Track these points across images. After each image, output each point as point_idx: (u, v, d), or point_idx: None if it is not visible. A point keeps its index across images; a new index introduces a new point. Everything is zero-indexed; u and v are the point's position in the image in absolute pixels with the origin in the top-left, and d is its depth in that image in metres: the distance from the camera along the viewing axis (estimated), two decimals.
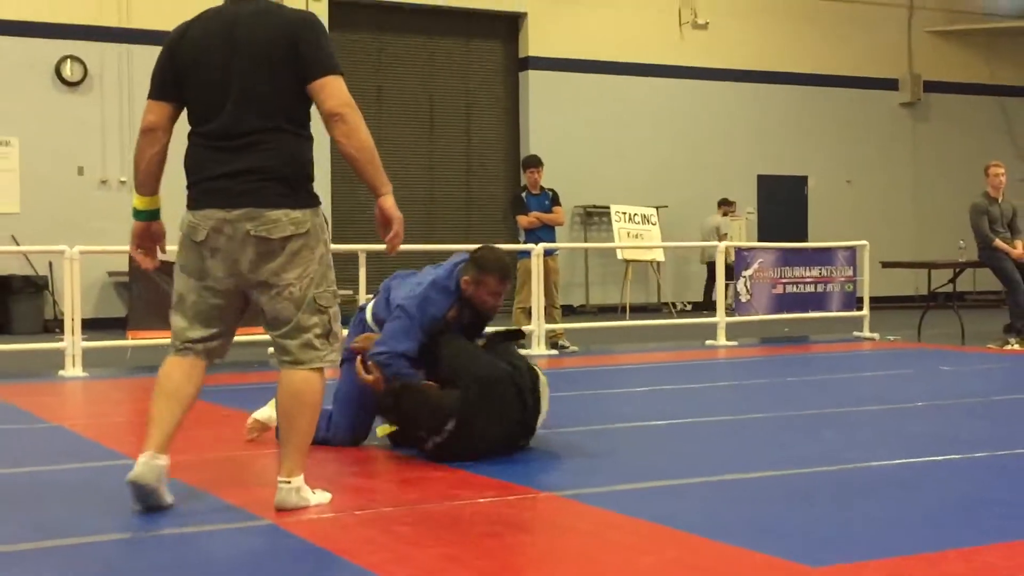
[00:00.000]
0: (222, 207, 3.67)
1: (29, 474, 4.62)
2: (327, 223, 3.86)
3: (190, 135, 3.79)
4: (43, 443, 5.55)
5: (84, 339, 8.83)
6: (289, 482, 3.72)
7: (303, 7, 14.64)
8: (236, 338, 3.97)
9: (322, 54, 3.68)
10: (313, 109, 3.71)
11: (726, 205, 16.88)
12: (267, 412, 5.06)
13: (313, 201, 3.76)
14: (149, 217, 3.87)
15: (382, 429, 4.77)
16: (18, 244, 13.07)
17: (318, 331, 3.73)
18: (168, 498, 3.74)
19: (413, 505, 3.85)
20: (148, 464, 3.65)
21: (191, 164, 3.77)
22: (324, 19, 15.27)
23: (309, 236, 3.69)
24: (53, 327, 12.88)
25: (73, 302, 8.84)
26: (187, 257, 3.76)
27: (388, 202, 3.77)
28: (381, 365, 4.69)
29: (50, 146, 13.93)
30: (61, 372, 8.59)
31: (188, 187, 3.77)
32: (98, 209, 14.01)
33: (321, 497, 3.83)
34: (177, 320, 3.80)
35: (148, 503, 3.69)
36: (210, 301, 3.77)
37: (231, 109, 3.67)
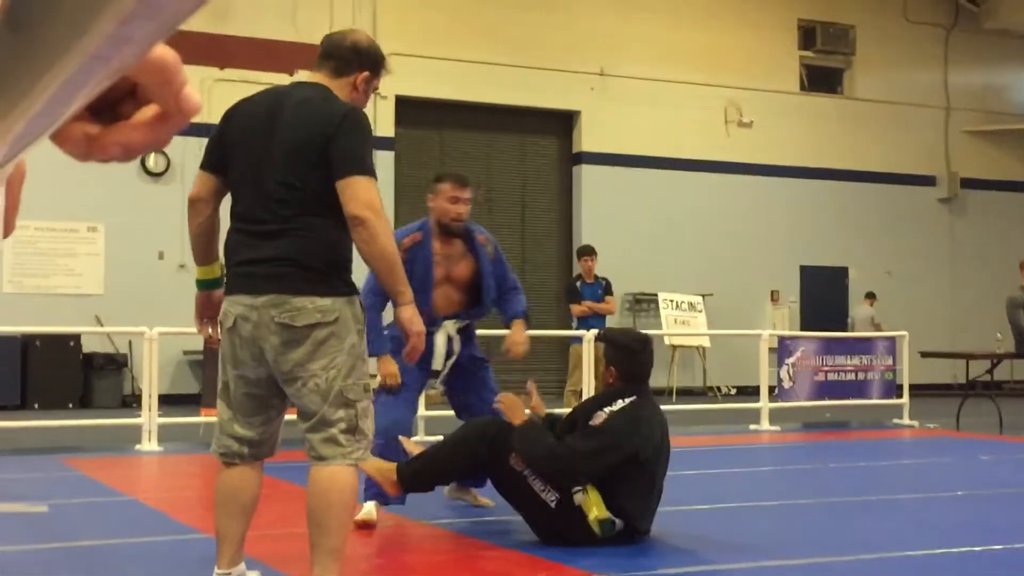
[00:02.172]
0: (249, 293, 3.53)
1: (104, 546, 4.71)
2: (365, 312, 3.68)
3: (230, 217, 3.66)
4: (118, 516, 5.63)
5: (160, 415, 9.02)
6: None
7: (371, 104, 15.58)
8: None
9: (351, 153, 3.48)
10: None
11: (870, 298, 17.44)
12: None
13: (345, 289, 3.54)
14: (207, 286, 3.74)
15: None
16: (102, 324, 13.64)
17: (343, 426, 3.48)
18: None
19: None
20: None
21: (226, 248, 3.67)
22: (390, 116, 16.13)
23: (338, 325, 3.48)
24: (131, 402, 13.26)
25: (151, 380, 9.10)
26: (224, 344, 3.63)
27: (404, 314, 3.56)
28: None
29: (133, 232, 14.50)
30: (137, 446, 8.77)
31: (226, 272, 3.72)
32: (177, 292, 14.69)
33: None
34: (222, 409, 3.66)
35: None
36: (244, 391, 3.60)
37: (263, 195, 3.54)
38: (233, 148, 3.63)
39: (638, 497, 4.57)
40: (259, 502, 3.68)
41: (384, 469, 4.76)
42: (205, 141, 14.33)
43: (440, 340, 5.29)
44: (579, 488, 4.53)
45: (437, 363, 5.34)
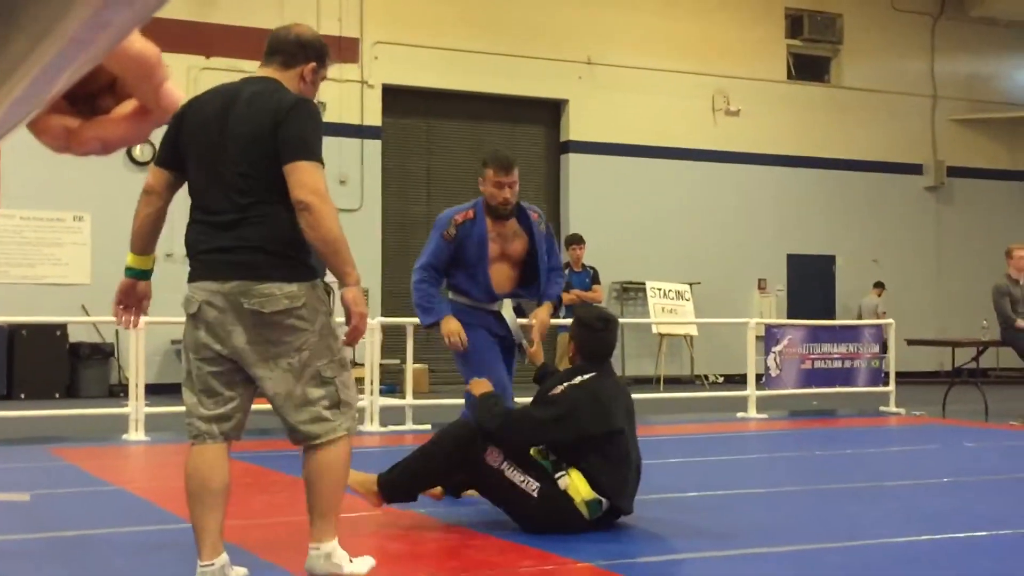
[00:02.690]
0: (215, 279, 3.62)
1: (92, 536, 4.74)
2: (330, 293, 3.78)
3: (190, 210, 3.78)
4: (106, 506, 5.62)
5: (147, 404, 9.01)
6: (318, 548, 3.67)
7: (358, 93, 15.58)
8: None
9: (297, 140, 3.59)
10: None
11: (880, 287, 17.52)
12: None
13: (309, 274, 3.67)
14: (136, 275, 3.79)
15: None
16: (88, 314, 13.55)
17: (326, 403, 3.64)
18: (243, 571, 3.79)
19: (457, 573, 3.96)
20: (206, 574, 3.65)
21: (188, 238, 3.75)
22: (377, 105, 16.11)
23: (305, 309, 3.61)
24: (118, 392, 13.26)
25: (137, 370, 9.08)
26: (185, 331, 3.72)
27: (348, 295, 3.60)
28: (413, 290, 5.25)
29: (120, 222, 14.41)
30: (124, 436, 8.75)
31: (189, 261, 3.79)
32: (163, 281, 14.58)
33: (360, 565, 3.75)
34: (187, 395, 3.74)
35: None
36: (207, 370, 3.67)
37: (222, 187, 3.64)
38: (188, 145, 3.74)
39: (612, 468, 4.58)
40: (232, 489, 3.76)
41: (365, 481, 4.79)
42: None
43: (508, 314, 5.33)
44: (562, 472, 4.57)
45: (517, 336, 5.39)
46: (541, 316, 5.46)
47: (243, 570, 3.80)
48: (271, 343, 3.60)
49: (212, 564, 3.64)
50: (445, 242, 5.33)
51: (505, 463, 4.60)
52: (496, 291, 5.33)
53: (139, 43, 0.58)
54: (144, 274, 3.82)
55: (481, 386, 4.84)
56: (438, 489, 5.01)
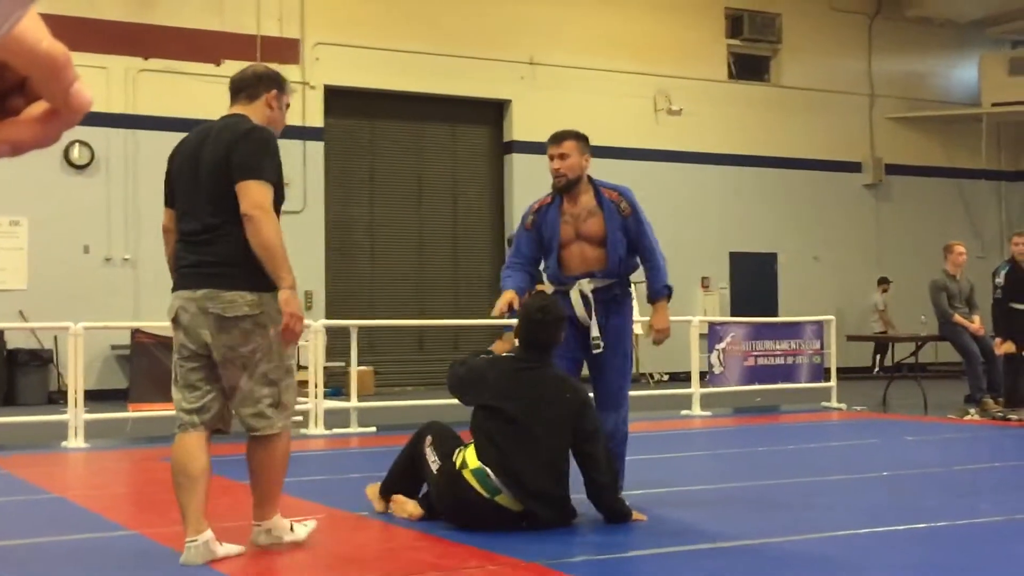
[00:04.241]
0: (188, 288, 4.20)
1: (31, 545, 4.72)
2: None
3: (176, 235, 4.36)
4: (45, 514, 5.59)
5: (86, 411, 8.92)
6: (260, 524, 4.29)
7: (299, 95, 15.45)
8: None
9: (245, 161, 4.12)
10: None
11: (885, 283, 17.76)
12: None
13: (266, 285, 4.14)
14: None
15: None
16: (25, 319, 13.37)
17: (268, 401, 4.18)
18: (237, 548, 4.19)
19: (402, 575, 3.94)
20: (191, 548, 4.08)
21: (172, 258, 4.37)
22: (319, 105, 16.00)
23: (263, 316, 4.12)
24: (57, 398, 13.07)
25: (76, 376, 8.97)
26: (173, 335, 4.32)
27: (282, 296, 4.12)
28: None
29: (57, 226, 14.28)
30: (64, 443, 8.67)
31: (172, 275, 4.39)
32: (102, 286, 14.51)
33: (300, 532, 4.33)
34: (174, 393, 4.28)
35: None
36: (188, 366, 4.22)
37: (197, 211, 4.21)
38: (175, 180, 4.36)
39: (497, 447, 4.64)
40: (210, 472, 4.21)
41: (371, 491, 5.22)
42: (129, 133, 14.01)
43: (574, 297, 5.23)
44: (460, 448, 4.78)
45: (583, 320, 5.26)
46: (653, 323, 5.40)
47: (238, 547, 4.24)
48: (230, 344, 4.13)
49: (196, 540, 4.09)
50: (526, 231, 5.38)
51: (430, 447, 4.81)
52: (564, 273, 5.29)
53: (47, 42, 0.57)
54: None
55: (499, 346, 5.12)
56: (414, 508, 4.97)
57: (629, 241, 5.31)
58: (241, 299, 4.13)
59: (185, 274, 4.24)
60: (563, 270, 5.30)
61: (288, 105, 4.47)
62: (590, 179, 5.39)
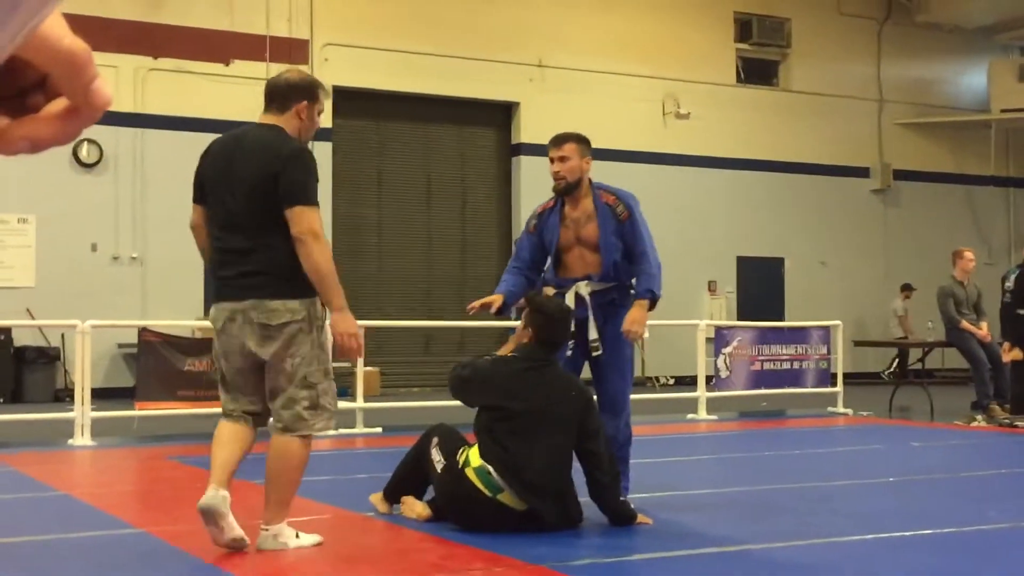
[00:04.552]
0: (234, 300, 4.36)
1: (37, 542, 4.72)
2: (327, 310, 4.41)
3: (210, 238, 4.51)
4: (51, 511, 5.60)
5: (93, 409, 8.94)
6: (268, 529, 4.34)
7: None
8: None
9: (295, 187, 4.27)
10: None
11: (907, 290, 17.75)
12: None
13: (310, 293, 4.32)
14: None
15: None
16: (33, 317, 13.40)
17: (306, 404, 4.33)
18: (239, 532, 4.23)
19: None
20: (213, 495, 4.24)
21: (212, 264, 4.51)
22: (328, 106, 16.00)
23: (304, 322, 4.30)
24: (64, 396, 13.11)
25: (83, 374, 9.00)
26: (215, 342, 4.49)
27: (333, 319, 4.36)
28: None
29: (65, 224, 14.32)
30: (70, 441, 8.70)
31: (213, 283, 4.58)
32: (110, 284, 14.56)
33: (304, 540, 4.38)
34: (221, 394, 4.50)
35: (220, 526, 4.20)
36: (235, 374, 4.43)
37: (233, 219, 4.35)
38: (205, 183, 4.48)
39: (502, 446, 4.67)
40: (244, 444, 4.39)
41: (376, 498, 5.22)
42: (137, 132, 14.01)
43: (569, 299, 5.25)
44: (464, 447, 4.82)
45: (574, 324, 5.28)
46: (629, 318, 5.23)
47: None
48: (276, 351, 4.31)
49: (217, 489, 4.25)
50: (528, 234, 5.42)
51: (435, 447, 4.84)
52: (564, 276, 5.33)
53: (69, 39, 0.57)
54: None
55: (507, 348, 5.08)
56: (423, 509, 4.98)
57: (625, 246, 5.28)
58: (283, 307, 4.30)
59: (228, 286, 4.40)
60: (563, 273, 5.34)
61: (321, 112, 4.57)
62: (591, 183, 5.39)
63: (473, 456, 4.71)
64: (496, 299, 5.15)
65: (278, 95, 4.48)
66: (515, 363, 4.86)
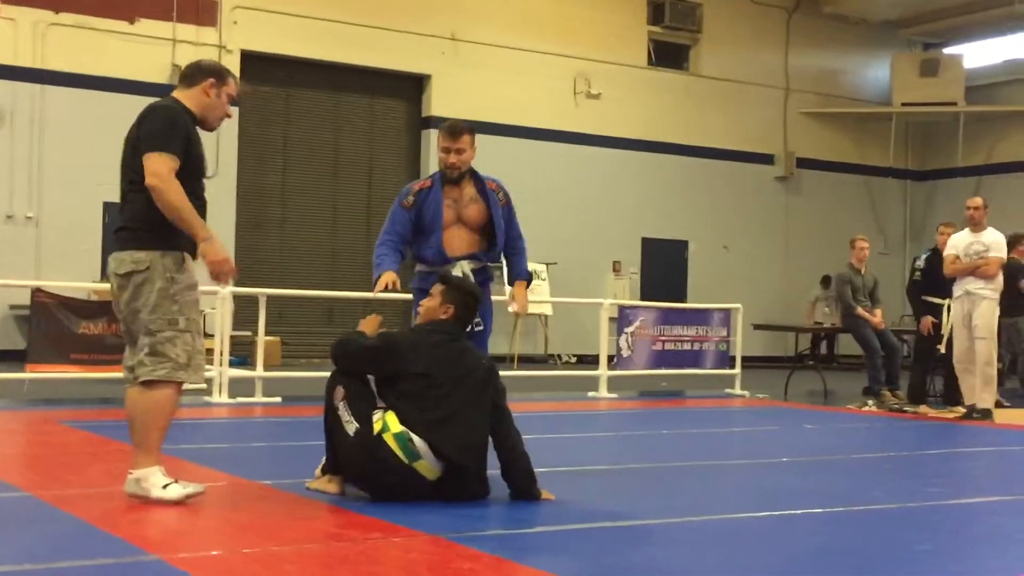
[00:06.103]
0: (112, 251, 4.65)
1: None
2: (185, 262, 4.60)
3: None
4: None
5: None
6: (131, 473, 4.52)
7: (215, 58, 15.17)
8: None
9: (147, 136, 4.50)
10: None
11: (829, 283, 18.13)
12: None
13: (159, 244, 4.54)
14: None
15: None
16: None
17: (147, 350, 4.53)
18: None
19: (300, 544, 3.90)
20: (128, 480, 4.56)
21: None
22: (235, 71, 15.72)
23: (150, 271, 4.51)
24: None
25: None
26: None
27: (201, 248, 4.56)
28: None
29: None
30: None
31: None
32: (3, 243, 14.13)
33: (170, 493, 4.41)
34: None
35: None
36: (123, 329, 4.71)
37: (120, 185, 4.66)
38: None
39: (421, 410, 4.71)
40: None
41: (322, 482, 4.89)
42: (36, 88, 13.65)
43: (459, 275, 5.46)
44: (378, 412, 4.74)
45: None
46: (520, 295, 5.70)
47: (196, 487, 4.57)
48: (127, 300, 4.56)
49: (131, 473, 4.52)
50: (404, 209, 5.51)
51: (343, 402, 4.75)
52: (448, 253, 5.49)
53: None
54: None
55: (367, 324, 5.08)
56: (332, 484, 4.88)
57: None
58: (130, 258, 4.53)
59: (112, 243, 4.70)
60: (449, 250, 5.53)
61: (231, 96, 4.77)
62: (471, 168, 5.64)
63: (392, 422, 4.68)
64: (394, 278, 5.34)
65: (188, 73, 4.75)
66: (435, 335, 4.98)
